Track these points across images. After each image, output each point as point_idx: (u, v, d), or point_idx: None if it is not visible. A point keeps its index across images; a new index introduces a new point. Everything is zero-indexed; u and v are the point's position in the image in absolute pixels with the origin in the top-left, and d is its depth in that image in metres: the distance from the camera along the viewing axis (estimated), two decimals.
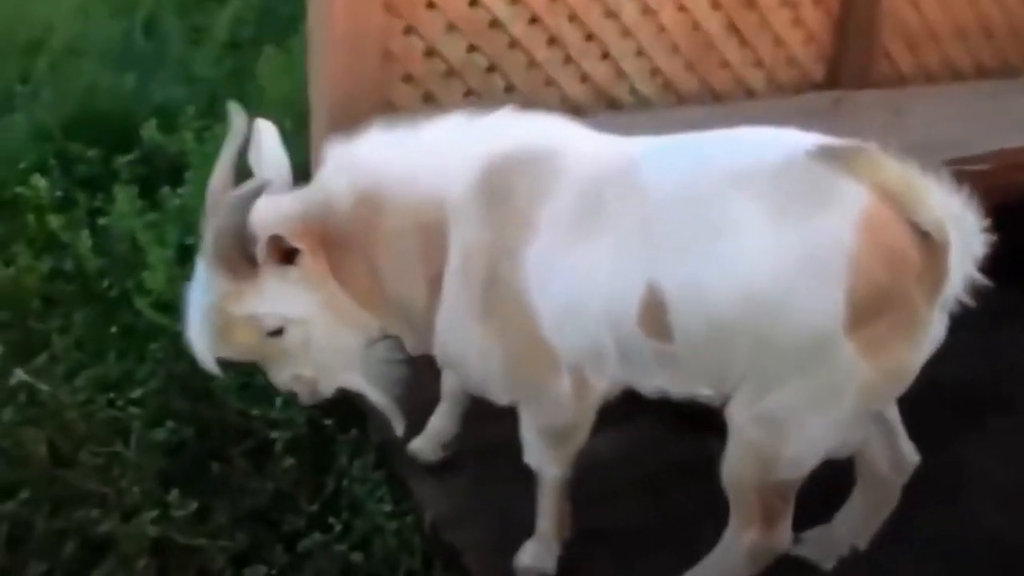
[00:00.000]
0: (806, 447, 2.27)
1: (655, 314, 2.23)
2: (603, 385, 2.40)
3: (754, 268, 2.15)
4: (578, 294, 2.29)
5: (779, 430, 2.24)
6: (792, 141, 2.26)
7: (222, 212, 2.24)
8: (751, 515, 2.35)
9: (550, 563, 2.66)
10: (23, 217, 3.72)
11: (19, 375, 2.95)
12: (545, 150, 2.34)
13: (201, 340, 2.33)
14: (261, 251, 2.27)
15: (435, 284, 2.35)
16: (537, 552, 2.67)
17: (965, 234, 2.15)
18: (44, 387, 2.93)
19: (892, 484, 2.60)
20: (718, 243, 2.18)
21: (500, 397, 2.48)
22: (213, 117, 4.05)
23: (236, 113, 2.41)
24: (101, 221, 3.74)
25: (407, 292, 2.38)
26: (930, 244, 2.13)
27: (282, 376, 2.48)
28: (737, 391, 2.27)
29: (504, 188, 2.31)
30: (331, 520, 2.72)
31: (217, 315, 2.31)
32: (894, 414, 2.54)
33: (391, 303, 2.40)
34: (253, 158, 2.42)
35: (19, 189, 3.75)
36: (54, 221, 3.65)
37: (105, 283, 3.51)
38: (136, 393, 3.01)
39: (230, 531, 2.71)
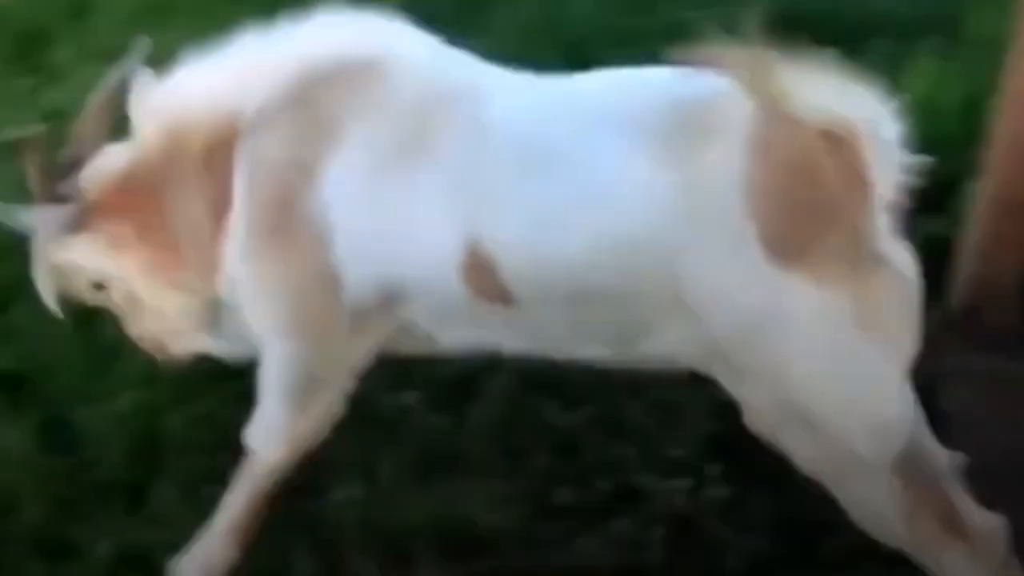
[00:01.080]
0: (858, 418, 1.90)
1: (483, 274, 1.99)
2: (382, 336, 2.17)
3: (631, 221, 1.89)
4: (381, 229, 2.05)
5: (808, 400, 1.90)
6: (665, 76, 1.98)
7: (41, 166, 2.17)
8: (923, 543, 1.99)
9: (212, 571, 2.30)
10: None
11: None
12: (368, 59, 2.10)
13: (41, 280, 2.23)
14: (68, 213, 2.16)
15: (220, 213, 2.15)
16: (201, 559, 2.30)
17: (877, 124, 1.82)
18: None
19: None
20: (583, 196, 1.93)
21: (277, 341, 2.18)
22: None
23: (141, 47, 2.24)
24: None
25: (190, 228, 2.18)
26: (848, 144, 1.81)
27: (130, 331, 2.36)
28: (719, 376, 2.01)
29: (308, 99, 2.09)
30: None
31: (45, 257, 2.22)
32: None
33: (184, 249, 2.22)
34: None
35: None
36: None
37: None
38: None
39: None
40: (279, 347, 2.19)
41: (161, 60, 2.28)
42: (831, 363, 1.87)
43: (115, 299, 2.32)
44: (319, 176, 2.06)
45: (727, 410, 2.86)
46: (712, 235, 1.86)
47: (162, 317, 2.32)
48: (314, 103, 2.09)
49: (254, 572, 2.43)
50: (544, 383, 2.93)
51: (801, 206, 1.83)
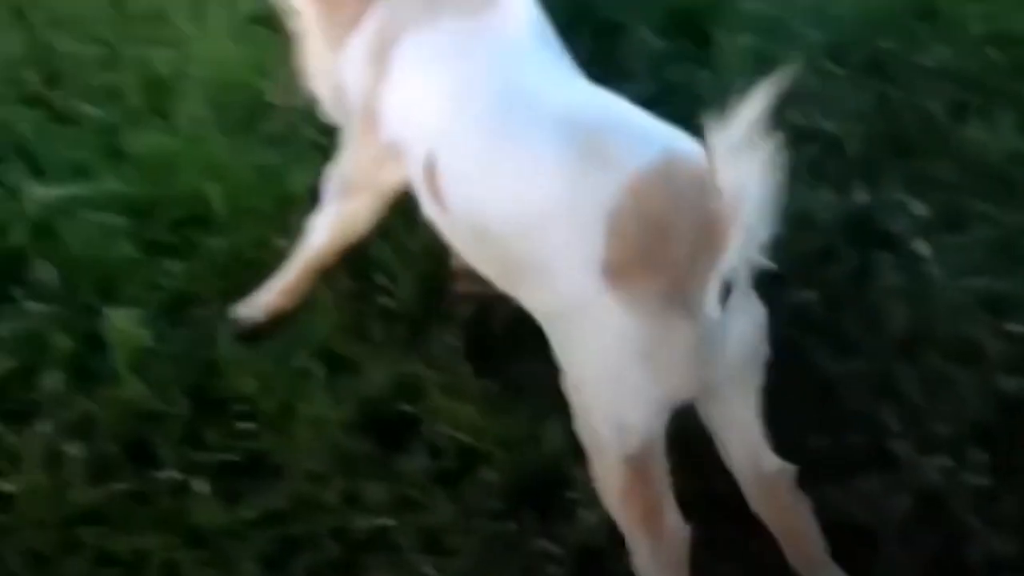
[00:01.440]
0: (600, 419, 2.26)
1: (431, 178, 2.49)
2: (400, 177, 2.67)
3: (532, 194, 2.28)
4: (408, 98, 2.58)
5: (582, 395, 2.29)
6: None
7: None
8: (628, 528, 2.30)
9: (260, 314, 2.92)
10: None
11: None
12: None
13: None
14: None
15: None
16: (255, 303, 2.94)
17: (753, 212, 2.01)
18: None
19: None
20: (506, 160, 2.35)
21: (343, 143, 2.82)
22: None
23: None
24: None
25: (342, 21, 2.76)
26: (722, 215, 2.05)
27: (294, 62, 2.99)
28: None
29: None
30: None
31: None
32: (754, 424, 2.34)
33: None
34: None
35: None
36: None
37: None
38: None
39: None
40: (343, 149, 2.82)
41: None
42: (603, 367, 2.23)
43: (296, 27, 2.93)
44: (400, 41, 2.61)
45: (998, 398, 2.85)
46: (575, 234, 2.21)
47: (311, 56, 2.91)
48: None
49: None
50: (819, 327, 2.95)
51: (645, 250, 2.15)
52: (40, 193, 3.26)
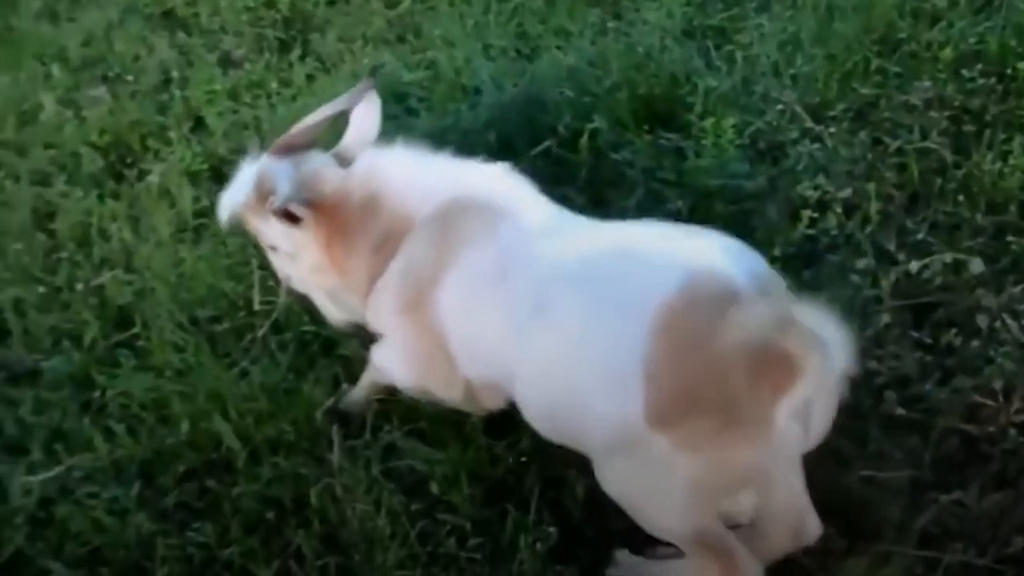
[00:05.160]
0: (647, 519, 2.27)
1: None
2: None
3: (563, 364, 2.27)
4: (469, 334, 2.51)
5: (623, 502, 2.28)
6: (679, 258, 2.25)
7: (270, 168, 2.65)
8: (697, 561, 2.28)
9: (353, 409, 2.82)
10: None
11: None
12: (489, 204, 2.53)
13: (225, 208, 2.73)
14: (279, 210, 2.60)
15: (377, 272, 2.63)
16: (346, 400, 2.84)
17: (829, 358, 2.02)
18: None
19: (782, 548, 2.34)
20: (543, 332, 2.31)
21: (397, 373, 2.71)
22: None
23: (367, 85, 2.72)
24: None
25: (360, 272, 2.66)
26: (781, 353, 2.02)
27: (278, 272, 2.86)
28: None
29: (449, 221, 2.54)
30: None
31: (237, 208, 2.71)
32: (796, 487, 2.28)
33: (347, 276, 2.70)
34: (352, 116, 2.71)
35: None
36: None
37: None
38: None
39: None
40: (398, 375, 2.71)
41: None
42: (656, 503, 2.23)
43: (277, 259, 2.80)
44: (441, 282, 2.51)
45: None
46: (614, 393, 2.16)
47: (308, 287, 2.82)
48: (451, 226, 2.54)
49: None
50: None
51: (687, 389, 2.09)
52: (28, 481, 2.72)
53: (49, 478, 2.73)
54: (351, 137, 2.71)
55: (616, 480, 2.26)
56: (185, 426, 2.78)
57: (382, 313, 2.64)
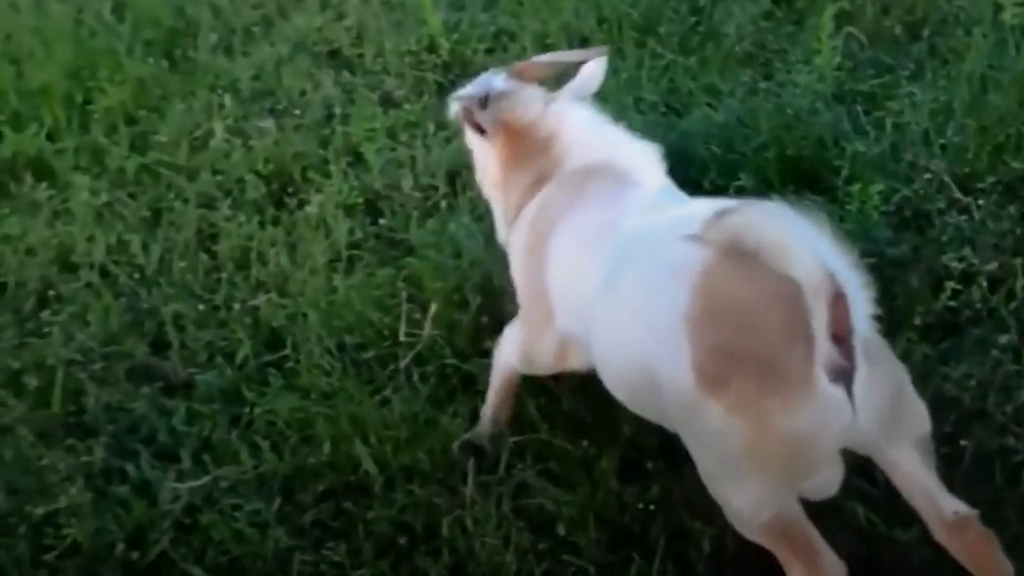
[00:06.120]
0: (725, 499, 2.28)
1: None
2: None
3: (630, 334, 2.34)
4: (565, 288, 2.63)
5: (709, 487, 2.29)
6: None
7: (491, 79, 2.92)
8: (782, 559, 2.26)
9: (485, 441, 2.87)
10: None
11: None
12: (620, 172, 2.68)
13: (452, 105, 2.94)
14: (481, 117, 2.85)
15: (524, 205, 2.80)
16: (478, 432, 2.88)
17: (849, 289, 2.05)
18: None
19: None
20: (613, 298, 2.40)
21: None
22: None
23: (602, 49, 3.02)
24: None
25: (514, 200, 2.84)
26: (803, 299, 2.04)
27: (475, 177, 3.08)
28: None
29: (581, 182, 2.70)
30: None
31: (458, 109, 2.91)
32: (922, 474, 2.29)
33: (508, 199, 2.88)
34: (583, 69, 2.94)
35: None
36: None
37: None
38: None
39: None
40: (508, 342, 2.86)
41: None
42: (718, 466, 2.25)
43: (476, 173, 3.04)
44: (555, 231, 2.67)
45: None
46: (667, 352, 2.20)
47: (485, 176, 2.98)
48: (581, 183, 2.70)
49: None
50: None
51: (730, 348, 2.12)
52: (177, 488, 2.84)
53: (196, 486, 2.84)
54: (574, 84, 2.92)
55: (696, 457, 2.28)
56: (327, 447, 2.86)
57: (513, 246, 2.84)
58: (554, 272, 2.66)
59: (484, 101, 2.84)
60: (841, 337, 2.04)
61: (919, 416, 2.28)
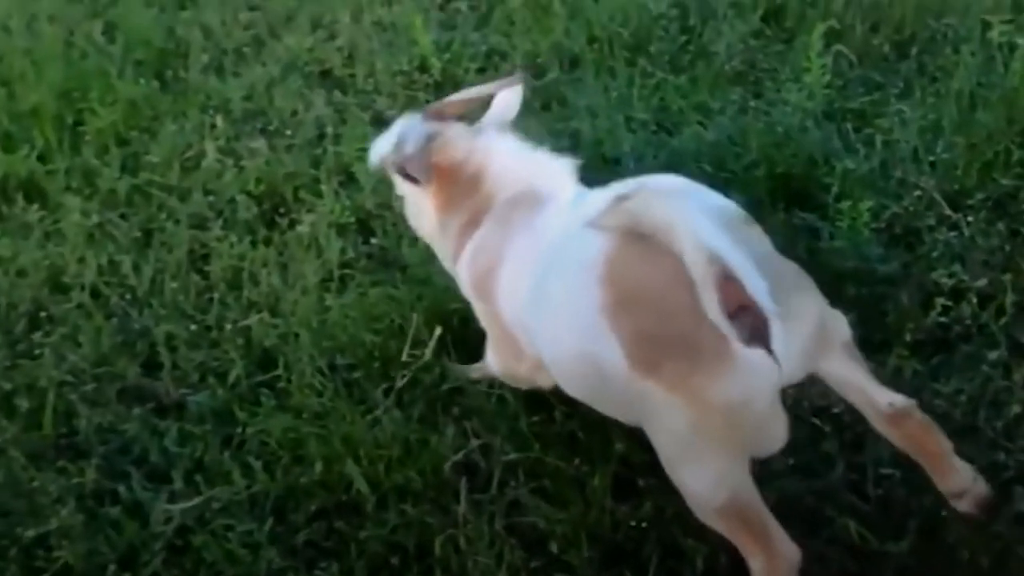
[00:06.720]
0: (682, 482, 2.33)
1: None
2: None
3: (567, 335, 2.37)
4: (518, 313, 2.60)
5: (669, 473, 2.35)
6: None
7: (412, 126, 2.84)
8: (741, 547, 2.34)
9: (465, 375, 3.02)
10: None
11: None
12: (539, 196, 2.67)
13: (374, 154, 2.94)
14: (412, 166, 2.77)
15: (460, 249, 2.78)
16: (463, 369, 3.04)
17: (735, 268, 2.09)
18: None
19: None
20: (546, 312, 2.44)
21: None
22: None
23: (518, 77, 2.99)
24: None
25: (450, 243, 2.82)
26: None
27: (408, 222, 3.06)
28: None
29: (505, 216, 2.69)
30: None
31: (381, 157, 2.90)
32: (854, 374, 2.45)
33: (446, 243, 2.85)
34: (496, 99, 2.90)
35: None
36: None
37: None
38: None
39: None
40: (490, 357, 2.93)
41: None
42: (667, 448, 2.31)
43: (408, 218, 3.04)
44: (496, 270, 2.66)
45: None
46: (598, 340, 2.25)
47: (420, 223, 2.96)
48: (511, 214, 2.68)
49: None
50: None
51: (644, 331, 2.20)
52: (169, 509, 2.82)
53: (188, 507, 2.82)
54: (493, 114, 2.88)
55: (654, 443, 2.33)
56: (319, 467, 2.85)
57: (464, 287, 2.83)
58: (505, 307, 2.66)
59: (412, 150, 2.76)
60: (744, 308, 2.08)
61: (840, 326, 2.42)
